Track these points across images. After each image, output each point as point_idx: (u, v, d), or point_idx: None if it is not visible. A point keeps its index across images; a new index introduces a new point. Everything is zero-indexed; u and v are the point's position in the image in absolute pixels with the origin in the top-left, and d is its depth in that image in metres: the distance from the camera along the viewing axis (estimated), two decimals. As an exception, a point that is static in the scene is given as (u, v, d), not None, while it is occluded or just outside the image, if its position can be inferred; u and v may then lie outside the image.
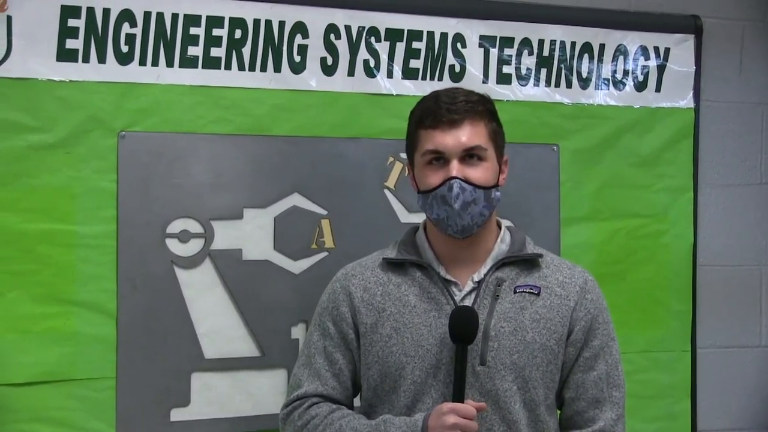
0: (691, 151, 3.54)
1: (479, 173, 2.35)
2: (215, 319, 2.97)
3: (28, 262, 2.78)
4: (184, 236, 2.94)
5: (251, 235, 3.01)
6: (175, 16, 2.92)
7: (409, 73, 3.19)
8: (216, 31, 2.97)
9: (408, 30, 3.17)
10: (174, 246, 2.93)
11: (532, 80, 3.33)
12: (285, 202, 3.05)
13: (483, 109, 2.40)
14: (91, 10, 2.83)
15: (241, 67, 3.00)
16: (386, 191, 3.16)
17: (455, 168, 2.33)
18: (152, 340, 2.90)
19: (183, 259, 2.94)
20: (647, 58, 3.47)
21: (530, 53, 3.33)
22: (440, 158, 2.35)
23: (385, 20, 3.15)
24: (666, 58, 3.50)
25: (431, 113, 2.37)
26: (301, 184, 3.07)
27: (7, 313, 2.76)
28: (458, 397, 2.24)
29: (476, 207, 2.34)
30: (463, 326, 2.28)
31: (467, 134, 2.34)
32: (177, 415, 2.92)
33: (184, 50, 2.94)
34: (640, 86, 3.47)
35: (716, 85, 3.61)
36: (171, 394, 2.92)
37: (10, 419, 2.75)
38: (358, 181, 3.13)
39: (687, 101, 3.53)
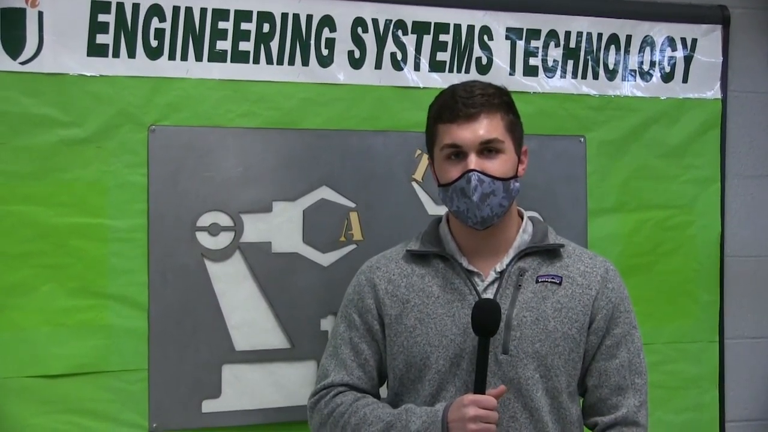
0: (718, 142, 3.53)
1: (497, 165, 2.38)
2: (245, 311, 2.99)
3: (61, 255, 2.80)
4: (214, 229, 2.96)
5: (280, 228, 3.03)
6: (203, 11, 2.93)
7: (436, 66, 3.19)
8: (244, 25, 2.98)
9: (435, 23, 3.17)
10: (204, 239, 2.95)
11: (558, 72, 3.33)
12: (314, 195, 3.06)
13: (499, 101, 2.42)
14: (120, 6, 2.84)
15: (269, 61, 3.01)
16: (414, 184, 3.16)
17: (473, 161, 2.36)
18: (183, 332, 2.92)
19: (213, 252, 2.96)
20: (674, 49, 3.46)
21: (557, 45, 3.32)
22: (459, 152, 2.39)
23: (412, 13, 3.15)
24: (693, 48, 3.48)
25: (448, 108, 2.40)
26: (330, 177, 3.08)
27: (41, 306, 2.78)
28: (479, 388, 2.27)
29: (495, 198, 2.37)
30: (486, 319, 2.30)
31: (484, 127, 2.37)
32: (208, 406, 2.95)
33: (212, 44, 2.95)
34: (667, 77, 3.46)
35: (743, 75, 3.59)
36: (202, 386, 2.94)
37: (44, 411, 2.78)
38: (386, 174, 3.13)
39: (714, 92, 3.52)
